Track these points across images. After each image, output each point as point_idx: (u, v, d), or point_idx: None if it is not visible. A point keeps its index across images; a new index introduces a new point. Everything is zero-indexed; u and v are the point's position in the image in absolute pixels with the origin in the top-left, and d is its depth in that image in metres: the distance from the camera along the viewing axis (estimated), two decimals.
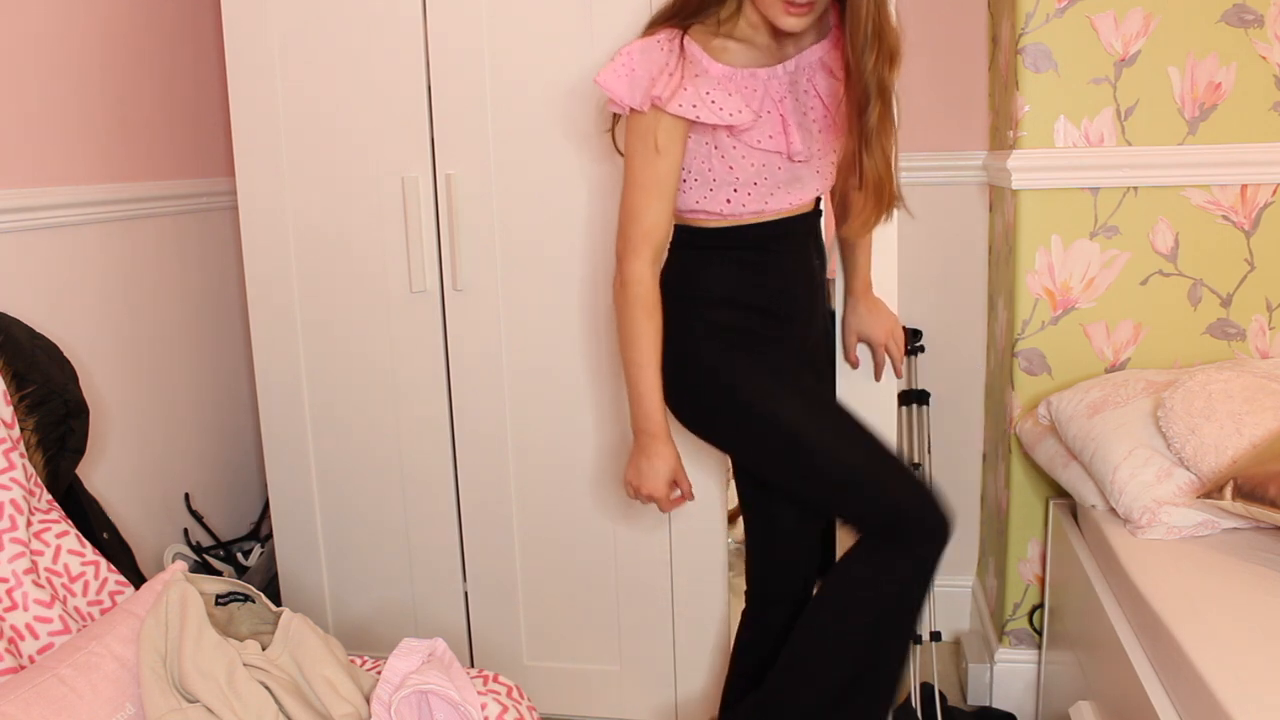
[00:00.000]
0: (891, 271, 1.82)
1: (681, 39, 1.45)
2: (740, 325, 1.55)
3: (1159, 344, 2.02)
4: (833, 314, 1.81)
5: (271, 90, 2.01)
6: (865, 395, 1.88)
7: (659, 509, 1.59)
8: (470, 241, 1.99)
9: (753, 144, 1.48)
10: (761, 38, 1.49)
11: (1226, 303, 1.99)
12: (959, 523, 2.44)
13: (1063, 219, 2.00)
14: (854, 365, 1.82)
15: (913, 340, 2.40)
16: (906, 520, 1.48)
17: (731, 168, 1.48)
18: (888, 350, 1.79)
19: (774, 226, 1.55)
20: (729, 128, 1.46)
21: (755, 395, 1.52)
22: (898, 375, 1.81)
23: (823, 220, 1.68)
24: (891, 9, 1.40)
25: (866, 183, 1.48)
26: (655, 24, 1.52)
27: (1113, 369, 2.04)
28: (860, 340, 1.80)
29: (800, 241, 1.60)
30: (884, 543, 1.50)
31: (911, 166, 2.29)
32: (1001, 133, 2.16)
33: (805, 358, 1.65)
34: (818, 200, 1.64)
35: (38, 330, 1.62)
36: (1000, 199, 2.21)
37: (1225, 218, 1.96)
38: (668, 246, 1.55)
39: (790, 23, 1.39)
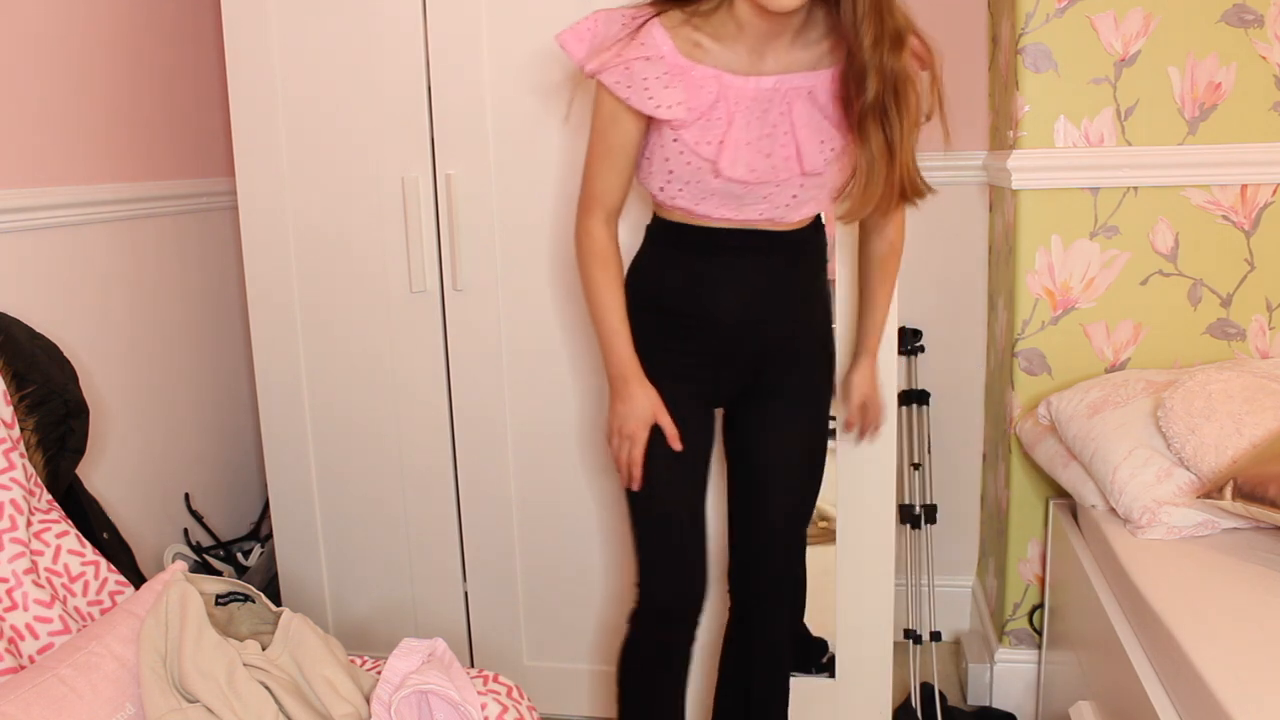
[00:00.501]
0: None
1: (649, 19, 1.41)
2: (655, 329, 1.54)
3: (1159, 344, 2.02)
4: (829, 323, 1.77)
5: (271, 90, 2.01)
6: None
7: (633, 459, 1.52)
8: (470, 241, 1.99)
9: (687, 143, 1.43)
10: (747, 40, 1.41)
11: (1226, 303, 1.99)
12: (959, 522, 2.47)
13: (1063, 219, 2.00)
14: (849, 429, 1.74)
15: (913, 340, 2.40)
16: (642, 596, 1.60)
17: (667, 159, 1.45)
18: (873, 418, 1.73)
19: (723, 235, 1.50)
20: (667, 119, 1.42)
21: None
22: (860, 436, 1.75)
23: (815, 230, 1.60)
24: None
25: (857, 172, 1.43)
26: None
27: (1113, 369, 2.04)
28: (861, 402, 1.71)
29: (758, 258, 1.52)
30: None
31: None
32: (1001, 133, 2.16)
33: (738, 372, 1.58)
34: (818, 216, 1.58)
35: (38, 330, 1.62)
36: (1000, 199, 2.21)
37: (1225, 218, 1.96)
38: (621, 208, 1.54)
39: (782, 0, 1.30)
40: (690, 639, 1.64)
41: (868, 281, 1.67)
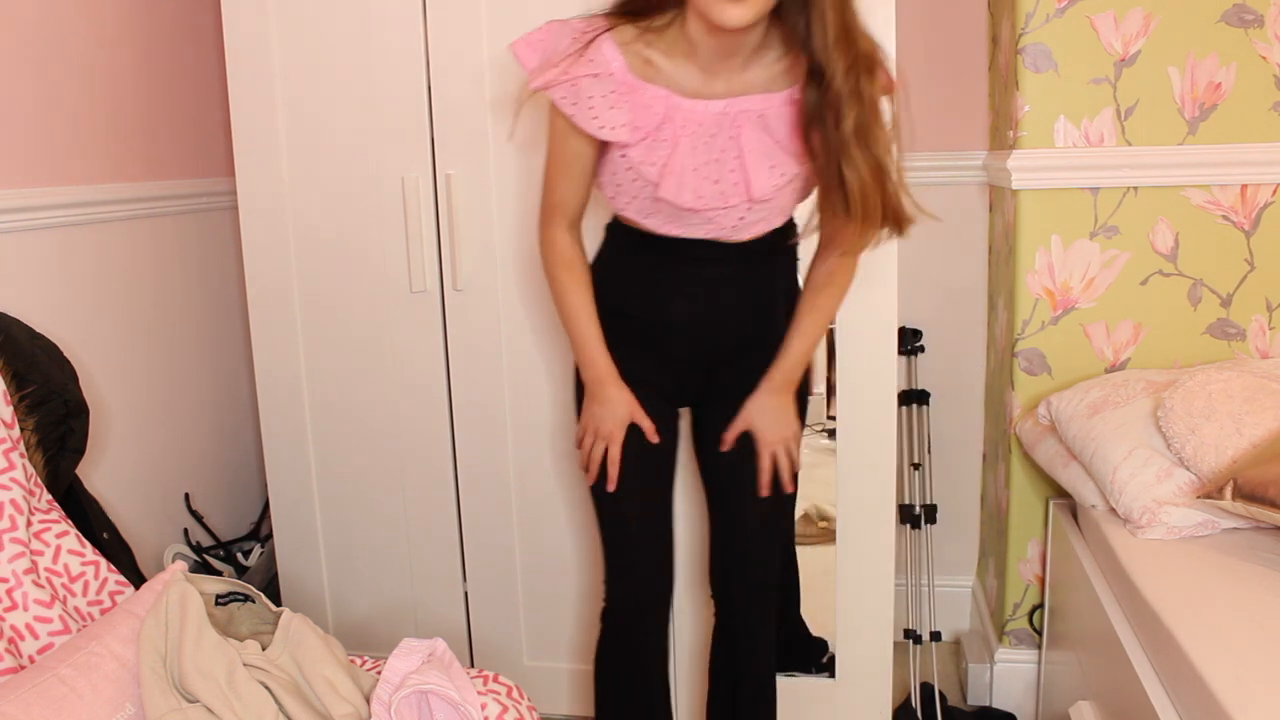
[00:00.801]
0: (891, 271, 1.82)
1: (601, 33, 1.38)
2: (614, 330, 1.55)
3: (1159, 344, 2.02)
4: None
5: (271, 90, 2.01)
6: (865, 394, 1.89)
7: (611, 458, 1.54)
8: (470, 241, 1.99)
9: (632, 161, 1.42)
10: (699, 58, 1.37)
11: (1226, 303, 1.99)
12: (959, 522, 2.47)
13: (1063, 219, 2.00)
14: (723, 448, 1.59)
15: (913, 340, 2.40)
16: (610, 594, 1.63)
17: (614, 173, 1.45)
18: (774, 458, 1.56)
19: (675, 243, 1.49)
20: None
21: (580, 403, 1.60)
22: (761, 491, 1.57)
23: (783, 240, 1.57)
24: (858, 19, 1.30)
25: (852, 199, 1.35)
26: (606, 11, 1.42)
27: (1113, 369, 2.04)
28: (749, 430, 1.57)
29: (712, 266, 1.49)
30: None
31: (911, 166, 2.27)
32: (1001, 133, 2.16)
33: (697, 373, 1.60)
34: (790, 224, 1.55)
35: (38, 330, 1.62)
36: (1000, 199, 2.21)
37: (1225, 218, 1.96)
38: (582, 214, 1.54)
39: (729, 13, 1.24)
40: (659, 634, 1.66)
41: (798, 307, 1.56)
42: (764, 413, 1.56)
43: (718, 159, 1.41)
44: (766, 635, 1.64)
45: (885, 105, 1.37)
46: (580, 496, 2.07)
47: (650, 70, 1.39)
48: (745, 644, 1.64)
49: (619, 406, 1.54)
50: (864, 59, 1.30)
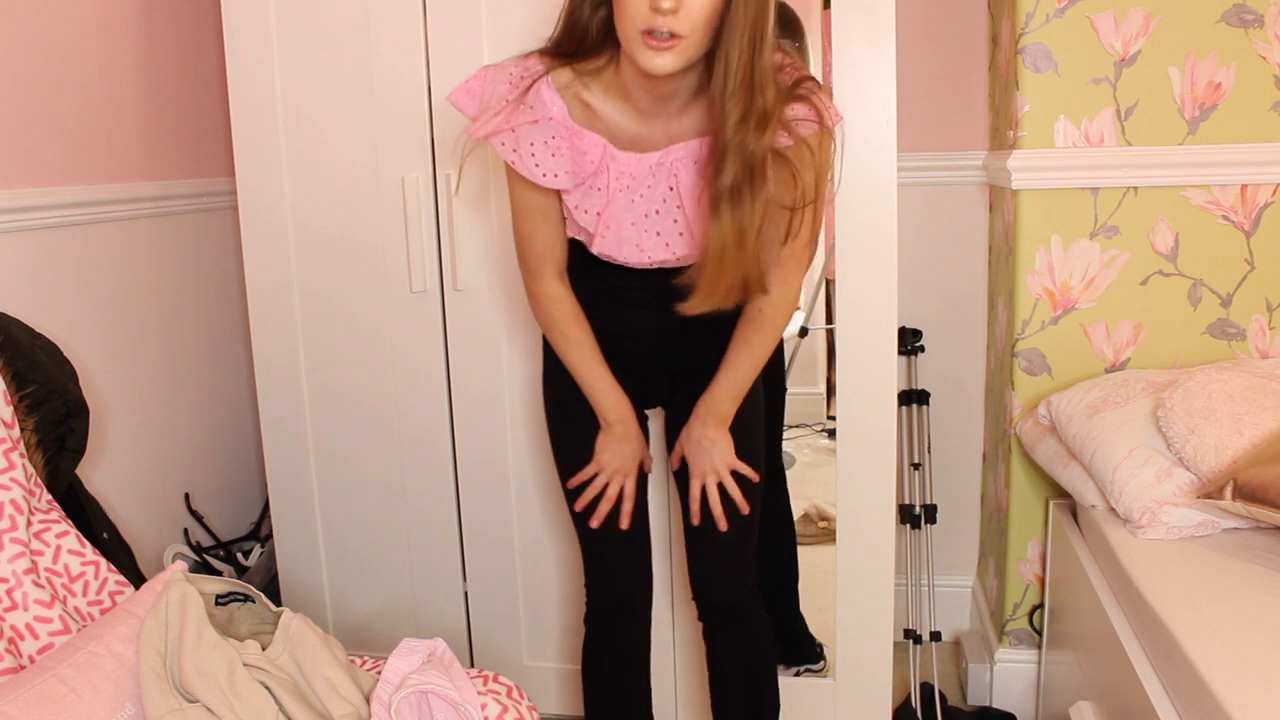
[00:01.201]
0: (891, 271, 1.82)
1: (538, 77, 1.35)
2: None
3: (1159, 344, 2.02)
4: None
5: (271, 90, 2.01)
6: (865, 395, 1.88)
7: (627, 493, 1.57)
8: (470, 241, 1.99)
9: (570, 205, 1.41)
10: (636, 102, 1.35)
11: (1226, 303, 1.99)
12: (959, 522, 2.47)
13: (1063, 219, 2.00)
14: (646, 469, 1.63)
15: (913, 340, 2.40)
16: (590, 597, 1.67)
17: (564, 209, 1.45)
18: (704, 489, 1.54)
19: (622, 269, 1.47)
20: None
21: (551, 417, 1.65)
22: (693, 519, 1.56)
23: None
24: (770, 64, 1.26)
25: (707, 257, 1.31)
26: (541, 50, 1.40)
27: (1113, 369, 2.04)
28: (683, 456, 1.58)
29: (667, 282, 1.43)
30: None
31: (911, 166, 2.29)
32: (1001, 133, 2.16)
33: (661, 380, 1.63)
34: None
35: (38, 330, 1.62)
36: (1000, 199, 2.21)
37: (1225, 218, 1.96)
38: (564, 259, 1.51)
39: (654, 61, 1.22)
40: (640, 634, 1.68)
41: (730, 343, 1.51)
42: (690, 443, 1.56)
43: (659, 209, 1.39)
44: (752, 631, 1.63)
45: (806, 153, 1.32)
46: None
47: (589, 115, 1.38)
48: (730, 654, 1.64)
49: (637, 445, 1.57)
50: (759, 113, 1.26)
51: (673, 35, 1.21)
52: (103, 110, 2.05)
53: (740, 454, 1.55)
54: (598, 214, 1.41)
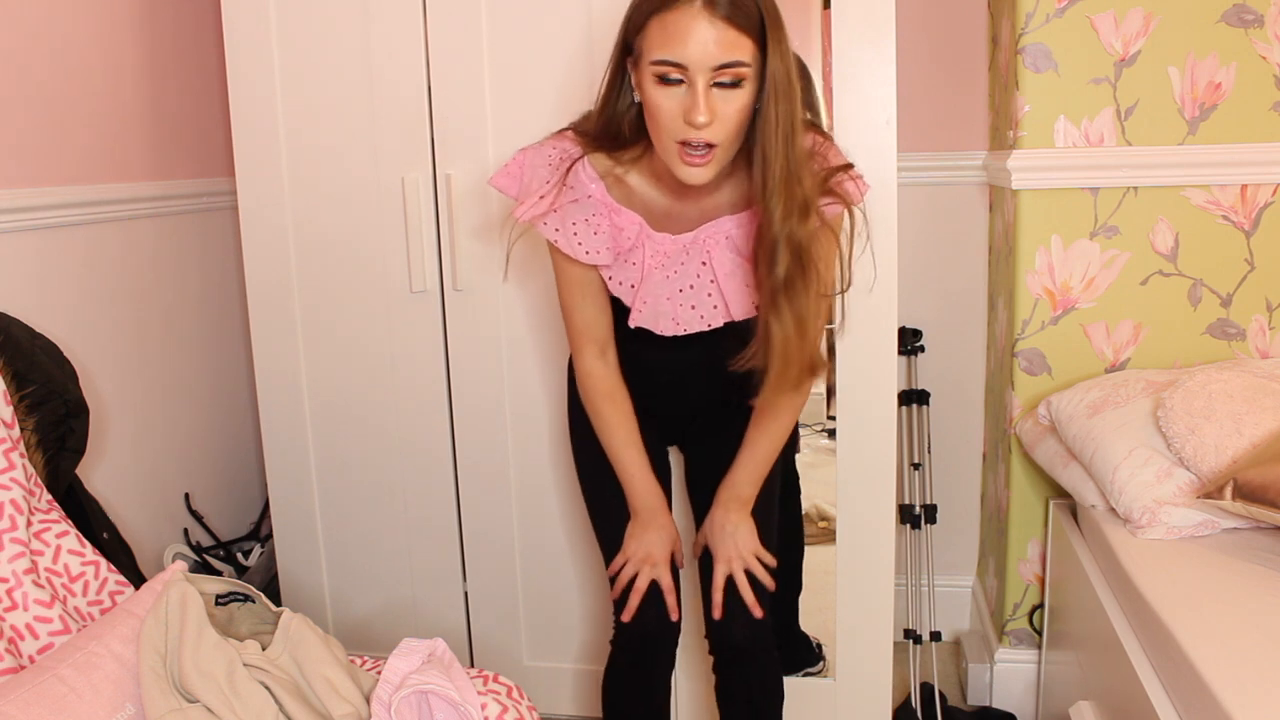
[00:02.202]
0: (892, 271, 1.82)
1: (575, 162, 1.39)
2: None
3: (1159, 344, 2.02)
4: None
5: (271, 90, 2.01)
6: (865, 394, 1.88)
7: (665, 585, 1.55)
8: (470, 241, 1.99)
9: (605, 277, 1.45)
10: (667, 187, 1.40)
11: (1226, 303, 1.99)
12: (959, 522, 2.47)
13: (1063, 219, 2.00)
14: (679, 563, 1.60)
15: (913, 340, 2.40)
16: (618, 625, 1.59)
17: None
18: (730, 575, 1.52)
19: (652, 336, 1.48)
20: None
21: (580, 463, 1.65)
22: (714, 613, 1.53)
23: None
24: (804, 151, 1.30)
25: (773, 351, 1.34)
26: (572, 126, 1.43)
27: (1113, 369, 2.04)
28: (706, 545, 1.59)
29: (685, 352, 1.49)
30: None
31: (911, 166, 2.29)
32: (1001, 133, 2.16)
33: (678, 418, 1.65)
34: None
35: (38, 330, 1.62)
36: (1000, 199, 2.21)
37: (1225, 218, 1.96)
38: (610, 335, 1.52)
39: (690, 174, 1.27)
40: (666, 666, 1.64)
41: (748, 429, 1.54)
42: (715, 530, 1.55)
43: (693, 285, 1.43)
44: (763, 667, 1.58)
45: (833, 227, 1.37)
46: (580, 497, 2.06)
47: (625, 192, 1.41)
48: (743, 680, 1.59)
49: (666, 533, 1.56)
50: (799, 204, 1.29)
51: (708, 147, 1.25)
52: (103, 110, 2.05)
53: (759, 533, 1.55)
54: (632, 286, 1.44)
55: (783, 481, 1.67)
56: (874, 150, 1.78)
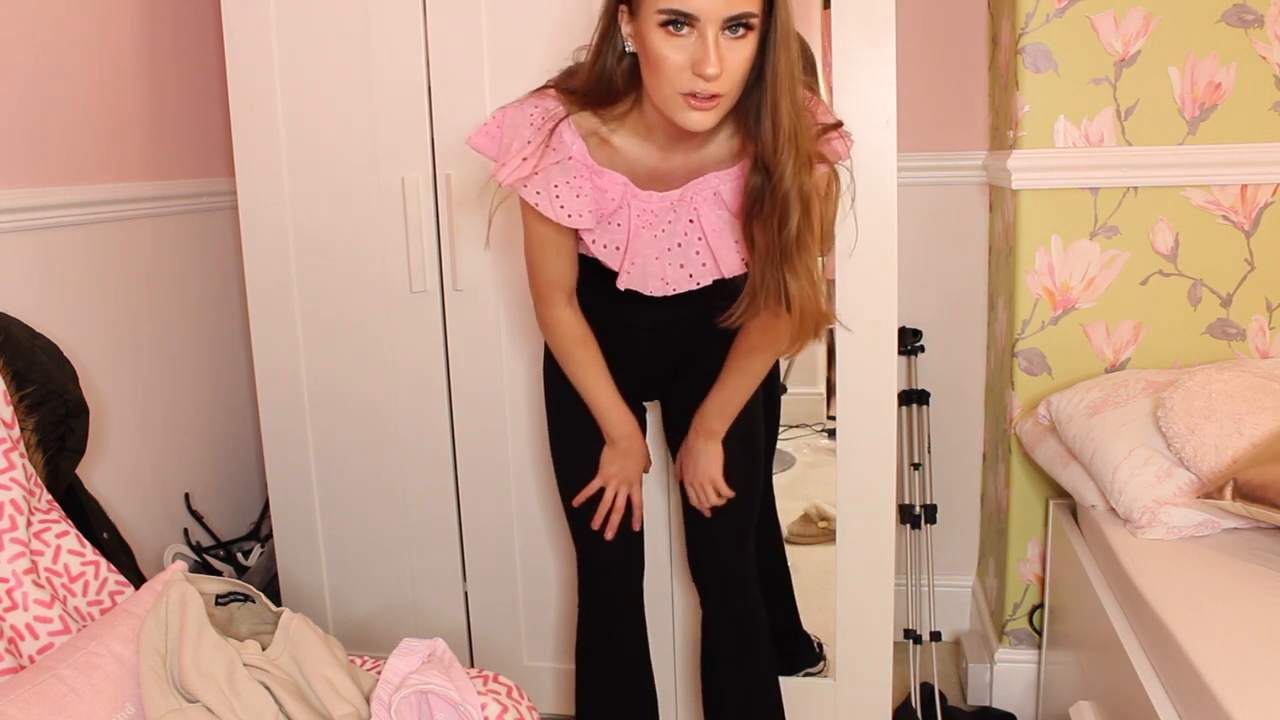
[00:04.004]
0: (891, 271, 1.82)
1: (561, 120, 1.36)
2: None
3: (1159, 344, 2.02)
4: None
5: (271, 90, 2.01)
6: (865, 394, 1.88)
7: (636, 501, 1.64)
8: (470, 241, 1.99)
9: (588, 240, 1.44)
10: (657, 138, 1.37)
11: (1226, 303, 1.99)
12: (959, 522, 2.47)
13: (1063, 219, 2.00)
14: (645, 470, 1.68)
15: (913, 340, 2.40)
16: (581, 585, 1.71)
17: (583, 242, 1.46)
18: (698, 491, 1.63)
19: (636, 294, 1.48)
20: None
21: (550, 407, 1.68)
22: (705, 513, 1.64)
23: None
24: (803, 104, 1.30)
25: (793, 308, 1.34)
26: (554, 84, 1.40)
27: (1113, 369, 2.04)
28: (680, 465, 1.67)
29: (670, 310, 1.50)
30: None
31: (911, 166, 2.29)
32: (1001, 133, 2.16)
33: (657, 373, 1.67)
34: None
35: (38, 330, 1.62)
36: (1000, 199, 2.21)
37: (1225, 218, 1.96)
38: (575, 284, 1.52)
39: (695, 119, 1.24)
40: (632, 621, 1.72)
41: (725, 363, 1.56)
42: (689, 454, 1.63)
43: (680, 243, 1.42)
44: (751, 619, 1.67)
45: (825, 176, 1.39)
46: None
47: (609, 153, 1.39)
48: (719, 628, 1.68)
49: (641, 456, 1.63)
50: (804, 157, 1.29)
51: (714, 95, 1.23)
52: (103, 110, 2.05)
53: (739, 465, 1.62)
54: (617, 248, 1.43)
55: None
56: (874, 150, 1.78)
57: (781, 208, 1.30)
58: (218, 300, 2.44)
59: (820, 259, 1.48)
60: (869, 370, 1.87)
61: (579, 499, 1.63)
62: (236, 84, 2.03)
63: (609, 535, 1.62)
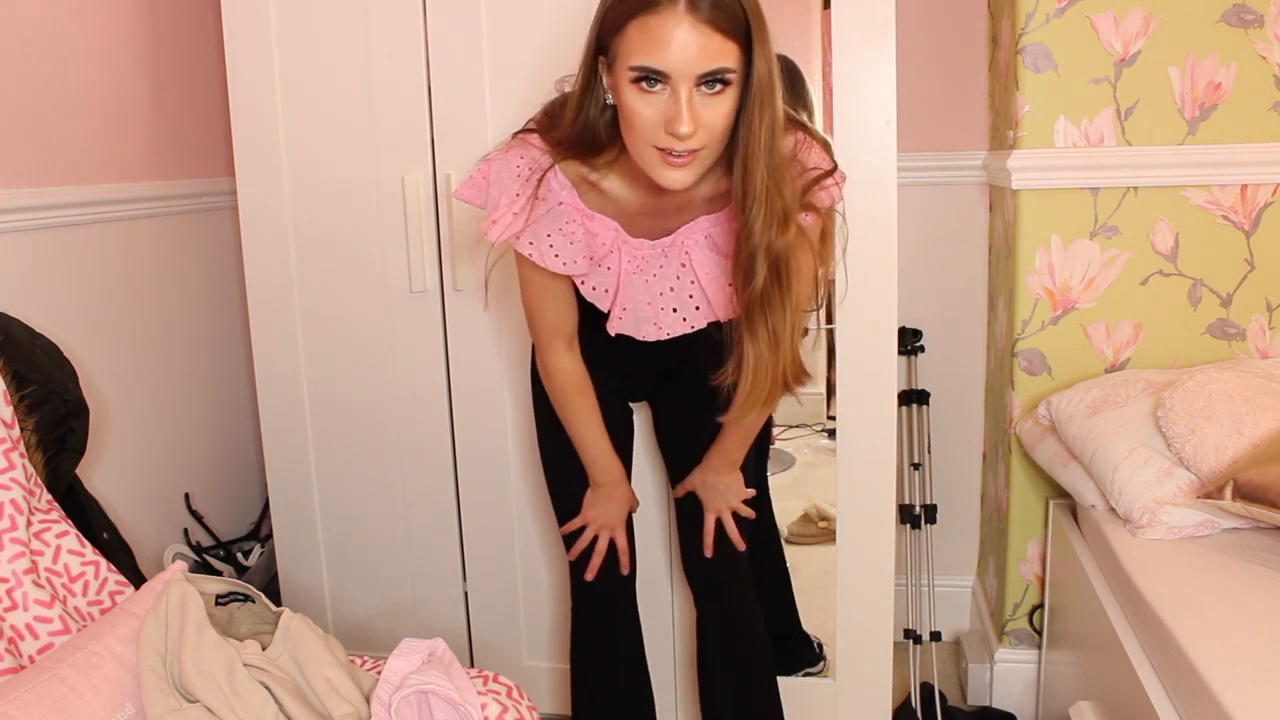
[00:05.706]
0: (891, 271, 1.82)
1: (546, 172, 1.33)
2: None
3: (1159, 344, 2.02)
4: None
5: (271, 90, 2.01)
6: (865, 394, 1.89)
7: (621, 546, 1.66)
8: (470, 242, 1.99)
9: (578, 283, 1.42)
10: (643, 185, 1.34)
11: (1226, 303, 1.99)
12: (959, 522, 2.47)
13: (1063, 219, 2.00)
14: (632, 511, 1.69)
15: (913, 340, 2.40)
16: (573, 587, 1.71)
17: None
18: (719, 521, 1.63)
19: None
20: None
21: (541, 434, 1.69)
22: (705, 551, 1.63)
23: None
24: (785, 158, 1.27)
25: (744, 368, 1.31)
26: (538, 128, 1.36)
27: (1113, 369, 2.04)
28: (692, 491, 1.66)
29: (662, 349, 1.48)
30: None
31: (911, 166, 2.29)
32: (1001, 133, 2.16)
33: (646, 381, 1.70)
34: None
35: (38, 330, 1.62)
36: (1000, 199, 2.21)
37: (1225, 218, 1.96)
38: (575, 329, 1.51)
39: (672, 177, 1.21)
40: (624, 621, 1.72)
41: (725, 419, 1.48)
42: (705, 486, 1.63)
43: (673, 286, 1.40)
44: (746, 620, 1.67)
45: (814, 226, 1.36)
46: None
47: (599, 197, 1.37)
48: (724, 628, 1.68)
49: (625, 501, 1.65)
50: (779, 214, 1.25)
51: (691, 150, 1.19)
52: (103, 110, 2.05)
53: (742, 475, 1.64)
54: (606, 291, 1.42)
55: (755, 484, 1.70)
56: (874, 150, 1.78)
57: (747, 265, 1.27)
58: (218, 300, 2.44)
59: (813, 309, 1.47)
60: (869, 370, 1.87)
61: (564, 530, 1.66)
62: (236, 84, 2.03)
63: (588, 576, 1.63)
